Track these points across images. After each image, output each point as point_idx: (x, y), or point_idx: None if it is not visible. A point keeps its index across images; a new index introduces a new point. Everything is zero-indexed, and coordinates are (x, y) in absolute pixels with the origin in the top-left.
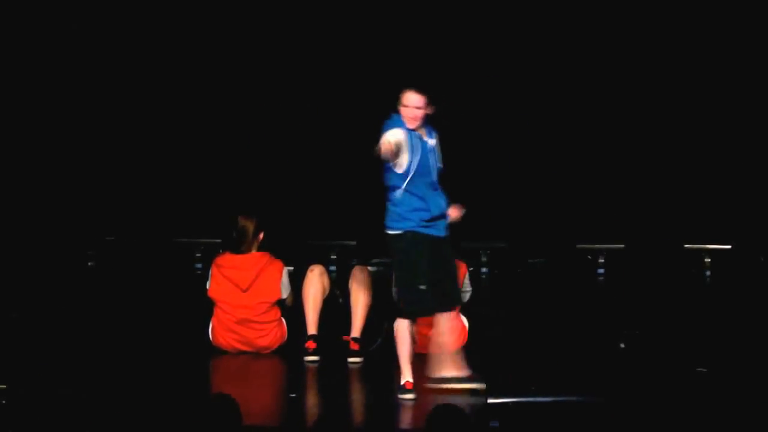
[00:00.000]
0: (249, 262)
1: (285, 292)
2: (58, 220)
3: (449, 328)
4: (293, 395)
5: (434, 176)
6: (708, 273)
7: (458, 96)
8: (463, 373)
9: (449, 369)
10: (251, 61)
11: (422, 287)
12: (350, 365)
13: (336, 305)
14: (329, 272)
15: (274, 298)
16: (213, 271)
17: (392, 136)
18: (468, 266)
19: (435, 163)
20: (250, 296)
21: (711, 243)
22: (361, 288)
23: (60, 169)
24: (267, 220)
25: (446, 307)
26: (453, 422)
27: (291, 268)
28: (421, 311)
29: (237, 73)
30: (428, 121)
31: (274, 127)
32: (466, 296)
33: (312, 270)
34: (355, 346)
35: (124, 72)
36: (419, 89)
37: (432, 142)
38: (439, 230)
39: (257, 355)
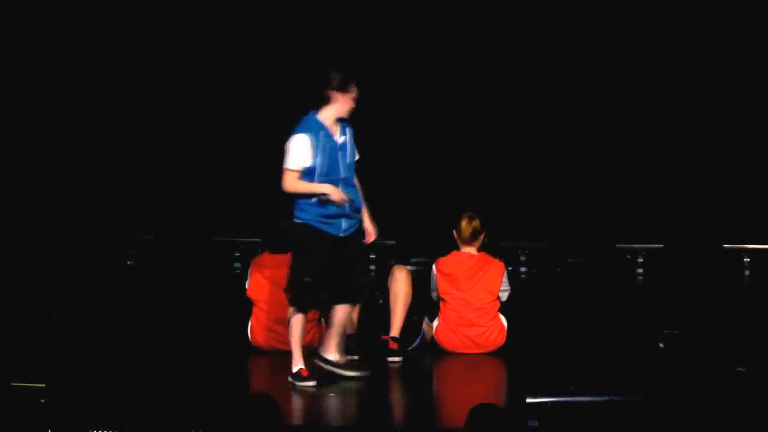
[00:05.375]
0: (288, 262)
1: None
2: (97, 220)
3: (342, 319)
4: (332, 394)
5: (342, 174)
6: (747, 272)
7: (502, 97)
8: (341, 360)
9: (333, 353)
10: (299, 61)
11: (306, 280)
12: (389, 364)
13: (375, 305)
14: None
15: None
16: (252, 271)
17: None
18: (507, 266)
19: (345, 160)
20: None
21: (750, 243)
22: (400, 287)
23: (100, 168)
24: None
25: (343, 301)
26: (492, 421)
27: None
28: (302, 303)
29: (280, 74)
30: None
31: None
32: (505, 295)
33: None
34: (394, 346)
35: (166, 74)
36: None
37: (342, 139)
38: (336, 228)
39: None
